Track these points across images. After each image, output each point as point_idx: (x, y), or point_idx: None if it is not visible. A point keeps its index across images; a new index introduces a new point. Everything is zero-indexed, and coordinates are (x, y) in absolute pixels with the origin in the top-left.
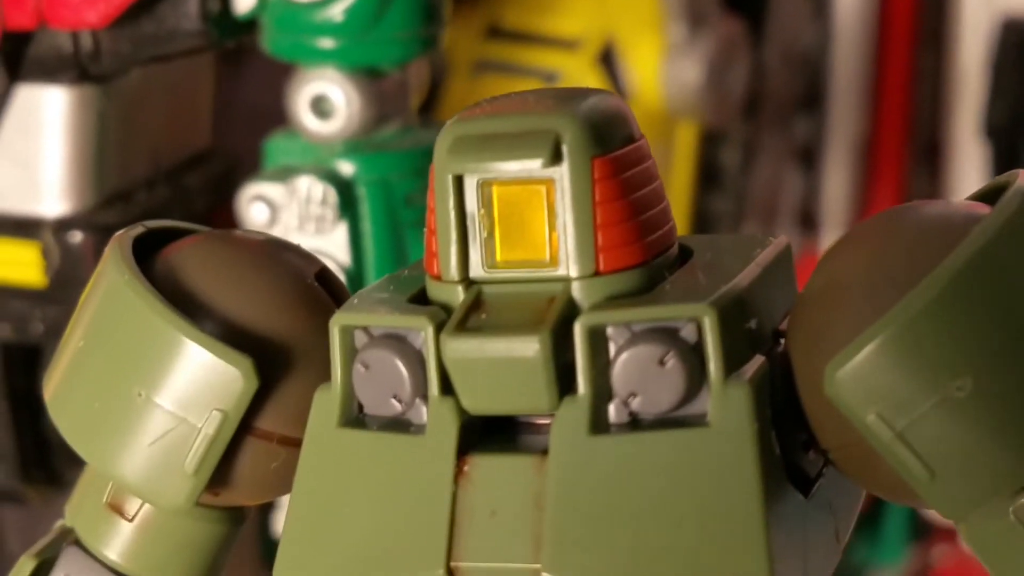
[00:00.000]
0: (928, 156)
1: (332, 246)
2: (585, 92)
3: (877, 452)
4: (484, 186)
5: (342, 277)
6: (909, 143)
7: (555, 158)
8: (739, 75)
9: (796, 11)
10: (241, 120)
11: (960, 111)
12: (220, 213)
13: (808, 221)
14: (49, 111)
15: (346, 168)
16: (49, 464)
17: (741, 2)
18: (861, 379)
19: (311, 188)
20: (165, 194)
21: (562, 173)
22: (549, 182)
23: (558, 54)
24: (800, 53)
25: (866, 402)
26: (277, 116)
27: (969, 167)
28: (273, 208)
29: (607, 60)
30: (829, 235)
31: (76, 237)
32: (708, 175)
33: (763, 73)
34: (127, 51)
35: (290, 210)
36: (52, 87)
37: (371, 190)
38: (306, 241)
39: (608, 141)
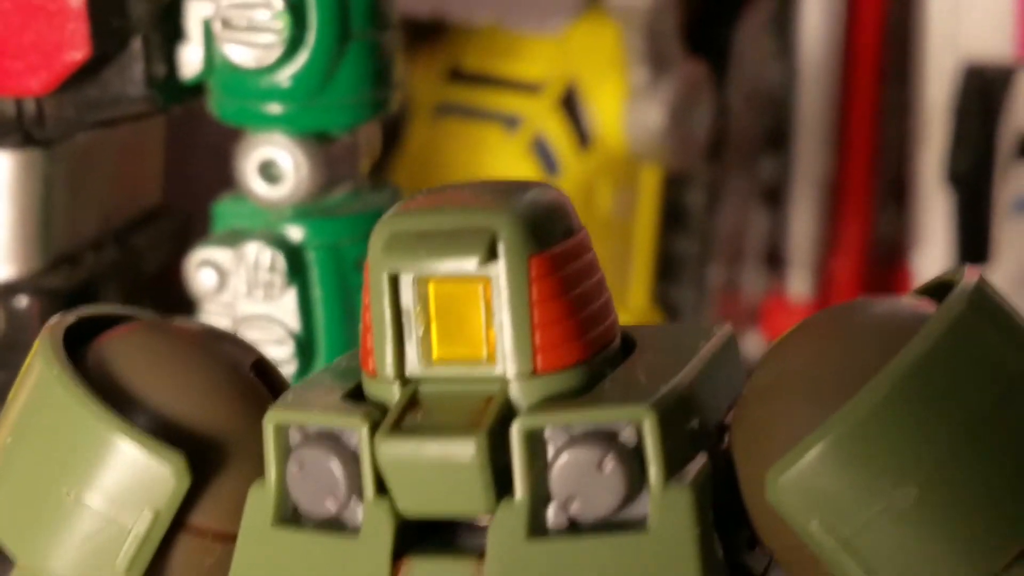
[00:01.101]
0: (894, 195)
1: (281, 312)
2: (523, 186)
3: (820, 558)
4: (420, 282)
5: (292, 343)
6: (875, 182)
7: (491, 256)
8: (703, 117)
9: (760, 51)
10: (197, 173)
11: (926, 150)
12: (174, 271)
13: (775, 261)
14: None
15: (295, 233)
16: None
17: (704, 44)
18: (803, 486)
19: (259, 254)
20: (113, 255)
21: (499, 271)
22: (486, 280)
23: (520, 97)
24: (764, 93)
25: (808, 509)
26: (228, 174)
27: (935, 207)
28: (221, 274)
29: (569, 103)
30: (796, 275)
31: (22, 301)
32: (673, 217)
33: (727, 114)
34: (72, 115)
35: (238, 276)
36: None
37: (321, 255)
38: (255, 307)
39: (546, 237)
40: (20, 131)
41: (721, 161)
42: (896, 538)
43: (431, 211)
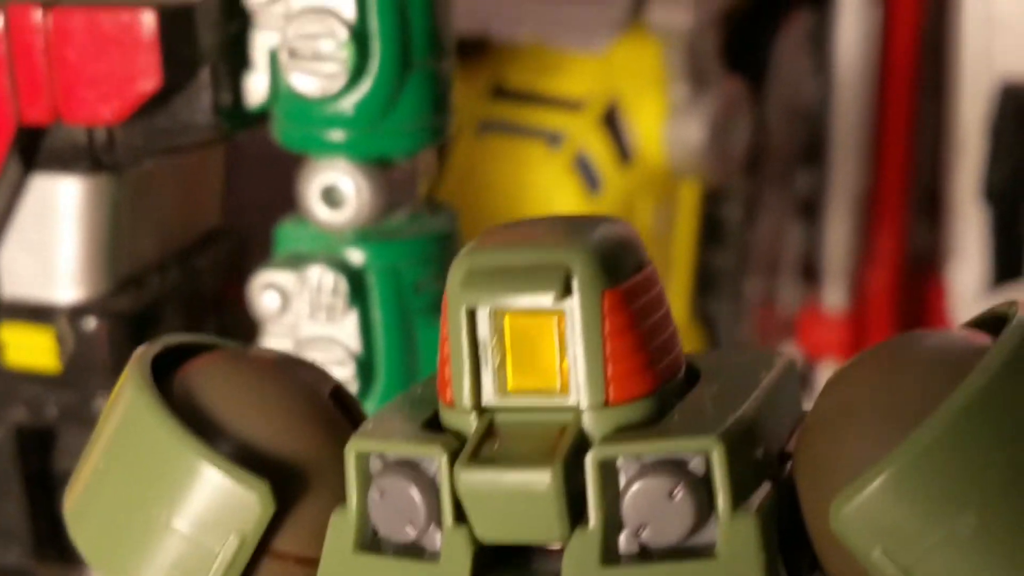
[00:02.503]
0: (929, 209)
1: (343, 334)
2: (596, 221)
3: None
4: (496, 315)
5: (353, 364)
6: (910, 197)
7: (566, 292)
8: (741, 133)
9: (797, 68)
10: (252, 194)
11: (960, 166)
12: (231, 289)
13: (810, 273)
14: (63, 200)
15: (356, 256)
16: (61, 543)
17: (742, 61)
18: (866, 516)
19: (322, 277)
20: (176, 277)
21: (572, 306)
22: (560, 313)
23: (562, 115)
24: (801, 109)
25: (871, 538)
26: (289, 190)
27: (969, 222)
28: (284, 296)
29: (611, 120)
30: (831, 287)
31: (90, 323)
32: (710, 231)
33: (765, 129)
34: (140, 143)
35: (301, 298)
36: (67, 177)
37: (381, 278)
38: (317, 329)
39: (618, 272)
40: (90, 158)
41: (758, 175)
42: (957, 566)
43: (507, 247)
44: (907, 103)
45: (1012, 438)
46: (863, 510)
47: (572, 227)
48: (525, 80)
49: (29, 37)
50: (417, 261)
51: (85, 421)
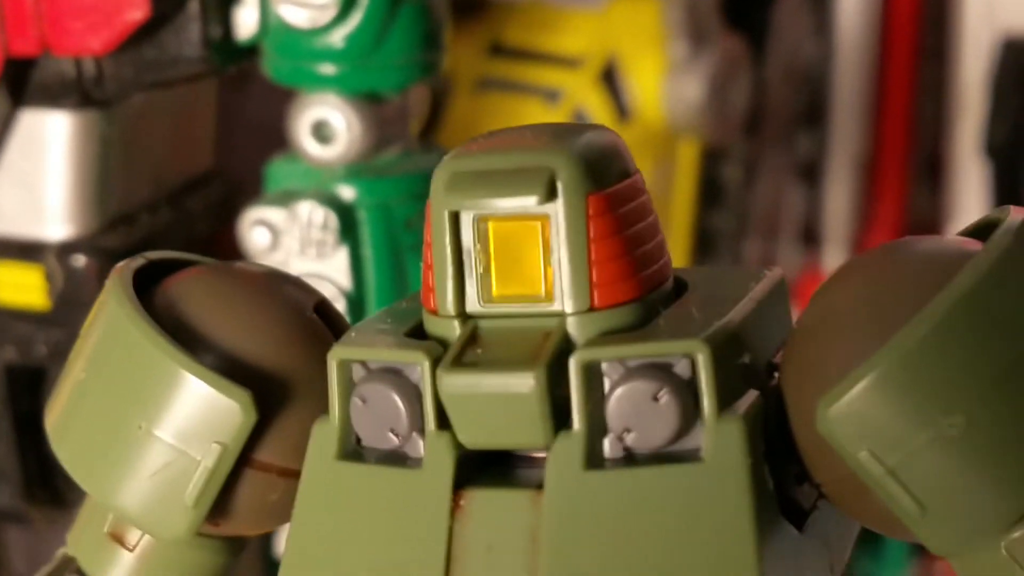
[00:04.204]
0: (930, 172)
1: (333, 270)
2: (581, 128)
3: (869, 487)
4: (480, 222)
5: (343, 301)
6: (911, 159)
7: (550, 195)
8: (740, 92)
9: (797, 27)
10: (243, 142)
11: (961, 127)
12: (222, 235)
13: (810, 237)
14: (53, 135)
15: (347, 193)
16: (53, 485)
17: (742, 19)
18: (853, 416)
19: (312, 213)
20: (167, 217)
21: (557, 209)
22: (544, 218)
23: (560, 72)
24: (801, 69)
25: (858, 439)
26: (278, 137)
27: (970, 184)
28: (275, 232)
29: (609, 78)
30: (831, 251)
31: (80, 261)
32: (709, 192)
33: (764, 89)
34: (129, 76)
35: (291, 234)
36: (55, 112)
37: (371, 214)
38: (307, 265)
39: (603, 177)
40: (79, 92)
41: (758, 136)
42: (943, 467)
43: (491, 152)
44: (909, 64)
45: (999, 339)
46: (849, 410)
47: (557, 133)
48: (523, 38)
49: None
50: (408, 198)
51: None
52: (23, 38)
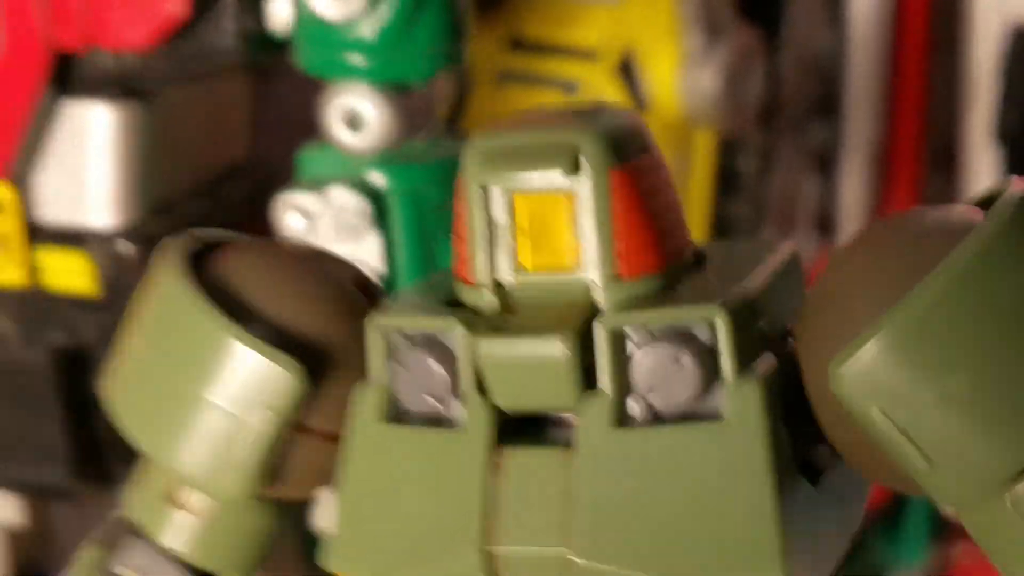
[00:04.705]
0: (943, 161)
1: (366, 253)
2: (601, 107)
3: (880, 445)
4: (509, 195)
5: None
6: (924, 148)
7: (574, 169)
8: (755, 83)
9: (811, 19)
10: (276, 131)
11: (973, 116)
12: (257, 222)
13: (825, 226)
14: (96, 126)
15: (377, 179)
16: (100, 463)
17: (756, 11)
18: (863, 375)
19: (344, 198)
20: (206, 205)
21: (582, 183)
22: (570, 192)
23: (578, 64)
24: (815, 60)
25: (869, 397)
26: (309, 127)
27: (983, 171)
28: (308, 217)
29: (626, 70)
30: (846, 239)
31: (125, 247)
32: (726, 181)
33: (779, 80)
34: (167, 69)
35: (325, 219)
36: (98, 103)
37: (402, 200)
38: (341, 248)
39: (624, 153)
40: (120, 84)
41: (773, 127)
42: (949, 423)
43: (518, 130)
44: (921, 54)
45: (1002, 303)
46: (860, 370)
47: (579, 113)
48: (541, 31)
49: None
50: (436, 183)
51: None
52: (67, 33)
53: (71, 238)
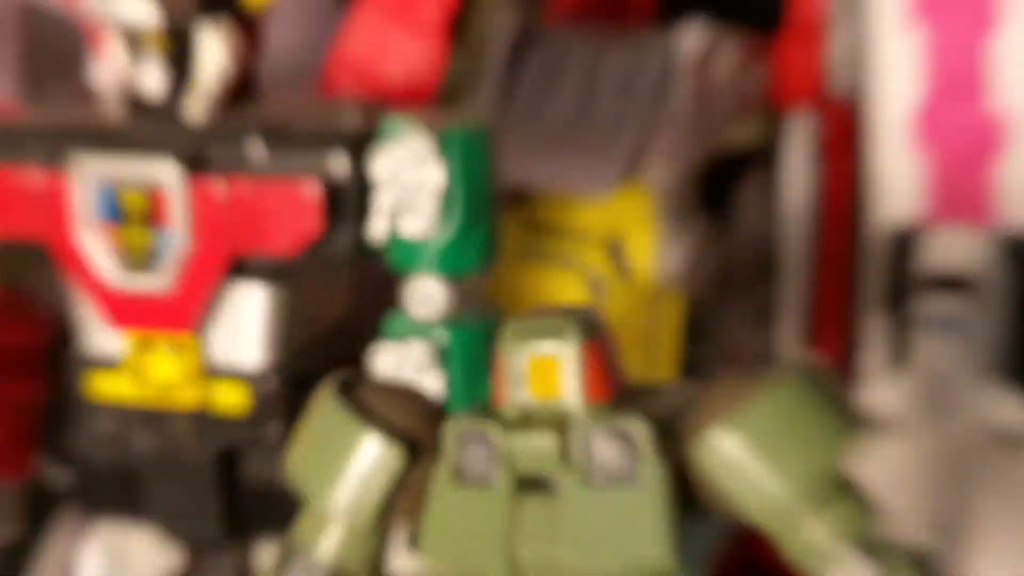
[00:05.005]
0: (859, 317)
1: (433, 383)
2: (581, 310)
3: (724, 496)
4: (527, 355)
5: None
6: (847, 307)
7: (564, 342)
8: (713, 256)
9: (755, 207)
10: (369, 304)
11: (871, 287)
12: (353, 364)
13: (767, 364)
14: (255, 300)
15: (442, 337)
16: (241, 524)
17: (713, 201)
18: (711, 450)
19: (419, 349)
20: (322, 351)
21: (568, 350)
22: (561, 355)
23: (576, 243)
24: (759, 238)
25: (716, 466)
26: (392, 302)
27: (876, 329)
28: (396, 360)
29: (614, 248)
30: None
31: (272, 383)
32: (691, 332)
33: (731, 254)
34: (303, 265)
35: (405, 363)
36: (256, 287)
37: (458, 351)
38: (417, 380)
39: (592, 334)
40: (272, 274)
41: (726, 290)
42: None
43: (532, 319)
44: (843, 237)
45: (784, 424)
46: (710, 446)
47: (567, 312)
48: (551, 217)
49: (214, 205)
50: (480, 341)
51: (264, 445)
52: (239, 241)
53: (233, 373)
